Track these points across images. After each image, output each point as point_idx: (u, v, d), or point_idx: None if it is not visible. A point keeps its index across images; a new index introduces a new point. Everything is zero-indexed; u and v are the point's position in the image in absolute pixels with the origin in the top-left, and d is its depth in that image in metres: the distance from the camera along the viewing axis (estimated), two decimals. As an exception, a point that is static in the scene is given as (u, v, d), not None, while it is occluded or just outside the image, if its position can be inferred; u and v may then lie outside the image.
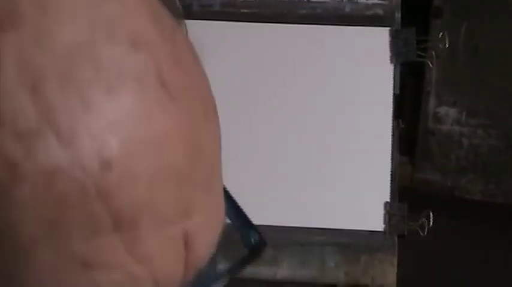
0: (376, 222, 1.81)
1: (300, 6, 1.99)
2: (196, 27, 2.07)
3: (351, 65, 1.93)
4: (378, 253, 1.79)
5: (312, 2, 1.99)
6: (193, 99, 0.49)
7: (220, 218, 0.51)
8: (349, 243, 1.80)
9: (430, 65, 1.92)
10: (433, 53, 1.92)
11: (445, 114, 3.04)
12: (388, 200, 1.81)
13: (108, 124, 0.42)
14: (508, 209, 3.14)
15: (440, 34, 1.92)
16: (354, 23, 1.96)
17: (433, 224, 1.75)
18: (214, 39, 1.98)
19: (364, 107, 1.89)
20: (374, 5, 1.97)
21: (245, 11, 2.00)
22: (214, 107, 0.52)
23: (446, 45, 1.89)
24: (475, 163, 3.10)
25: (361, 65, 1.92)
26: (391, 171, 1.84)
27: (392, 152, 1.85)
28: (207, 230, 0.49)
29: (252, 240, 0.51)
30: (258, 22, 1.99)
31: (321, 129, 1.88)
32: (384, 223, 1.80)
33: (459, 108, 3.02)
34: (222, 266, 0.50)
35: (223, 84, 1.94)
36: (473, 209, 3.18)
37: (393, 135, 1.86)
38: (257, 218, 1.90)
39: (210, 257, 0.50)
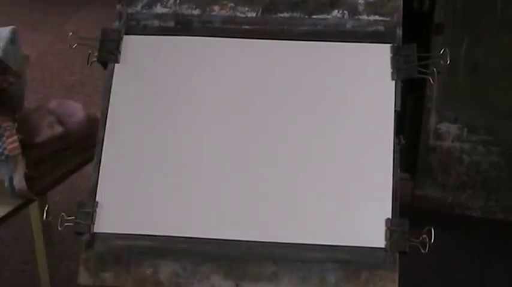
0: (377, 238, 1.80)
1: (301, 22, 2.00)
2: (197, 44, 2.09)
3: (352, 82, 1.93)
4: (379, 269, 1.79)
5: (313, 18, 1.99)
6: None
7: None
8: (349, 260, 1.80)
9: (431, 81, 1.92)
10: (434, 69, 1.92)
11: (446, 131, 3.04)
12: (389, 216, 1.81)
13: None
14: (508, 225, 3.13)
15: (442, 51, 1.92)
16: (355, 39, 1.96)
17: (433, 241, 1.75)
18: (215, 55, 1.98)
19: (365, 123, 1.89)
20: (375, 21, 1.97)
21: (246, 27, 2.01)
22: None
23: (448, 62, 1.90)
24: (476, 179, 3.10)
25: (362, 81, 1.92)
26: (392, 187, 1.83)
27: (393, 168, 1.85)
28: None
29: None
30: (259, 39, 1.99)
31: (322, 146, 1.88)
32: (385, 240, 1.80)
33: (460, 125, 3.03)
34: None
35: (225, 101, 1.94)
36: (474, 225, 3.18)
37: (394, 151, 1.86)
38: (260, 234, 1.91)
39: None
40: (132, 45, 2.00)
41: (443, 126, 3.04)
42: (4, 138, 2.34)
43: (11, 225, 2.95)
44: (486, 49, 2.90)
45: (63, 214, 1.84)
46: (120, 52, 1.99)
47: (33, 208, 2.60)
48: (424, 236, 1.76)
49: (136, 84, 1.97)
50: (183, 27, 2.02)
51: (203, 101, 1.94)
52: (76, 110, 2.68)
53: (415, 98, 3.04)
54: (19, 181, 2.33)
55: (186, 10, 2.03)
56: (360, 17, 1.98)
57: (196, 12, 2.03)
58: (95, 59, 1.99)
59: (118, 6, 2.05)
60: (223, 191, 1.86)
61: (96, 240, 1.84)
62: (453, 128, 3.04)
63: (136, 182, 1.88)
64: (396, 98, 1.90)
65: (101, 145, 1.90)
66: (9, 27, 2.55)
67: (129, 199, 1.87)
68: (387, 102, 1.89)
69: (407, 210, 1.91)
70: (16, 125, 2.37)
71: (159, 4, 2.04)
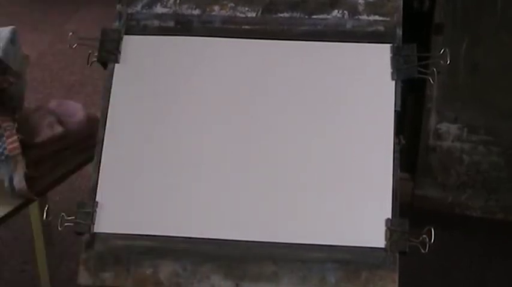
0: (377, 238, 1.80)
1: (301, 22, 2.00)
2: (197, 44, 2.09)
3: (352, 82, 1.93)
4: (379, 269, 1.79)
5: (313, 18, 1.99)
6: None
7: None
8: (349, 260, 1.80)
9: (431, 81, 1.92)
10: (434, 69, 1.92)
11: (446, 131, 3.04)
12: (389, 216, 1.81)
13: None
14: (508, 225, 3.13)
15: (442, 51, 1.92)
16: (355, 39, 1.96)
17: (433, 241, 1.74)
18: (215, 55, 1.98)
19: (365, 123, 1.89)
20: (375, 21, 1.97)
21: (246, 27, 2.01)
22: None
23: (448, 62, 1.89)
24: (476, 179, 3.10)
25: (362, 81, 1.92)
26: (392, 187, 1.83)
27: (393, 168, 1.85)
28: None
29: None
30: (259, 39, 1.99)
31: (322, 146, 1.88)
32: (385, 240, 1.80)
33: (460, 125, 3.03)
34: None
35: (225, 101, 1.94)
36: (474, 225, 3.18)
37: (394, 151, 1.86)
38: (260, 234, 1.91)
39: None
40: (132, 45, 2.00)
41: (443, 126, 3.04)
42: (4, 138, 2.34)
43: (11, 225, 2.95)
44: (486, 49, 2.89)
45: (63, 214, 1.84)
46: (120, 52, 1.99)
47: (33, 208, 2.60)
48: (424, 236, 1.76)
49: (136, 84, 1.97)
50: (183, 27, 2.02)
51: (203, 101, 1.94)
52: (76, 110, 2.68)
53: (415, 98, 3.04)
54: (19, 181, 2.33)
55: (186, 10, 2.03)
56: (360, 17, 1.98)
57: (196, 12, 2.03)
58: (95, 59, 1.99)
59: (118, 6, 2.05)
60: (223, 191, 1.86)
61: (96, 240, 1.84)
62: (453, 128, 3.04)
63: (136, 182, 1.88)
64: (396, 98, 1.89)
65: (101, 145, 1.90)
66: (9, 27, 2.55)
67: (129, 199, 1.87)
68: (387, 102, 1.89)
69: (407, 210, 1.91)
70: (16, 125, 2.37)
71: (159, 4, 2.04)
